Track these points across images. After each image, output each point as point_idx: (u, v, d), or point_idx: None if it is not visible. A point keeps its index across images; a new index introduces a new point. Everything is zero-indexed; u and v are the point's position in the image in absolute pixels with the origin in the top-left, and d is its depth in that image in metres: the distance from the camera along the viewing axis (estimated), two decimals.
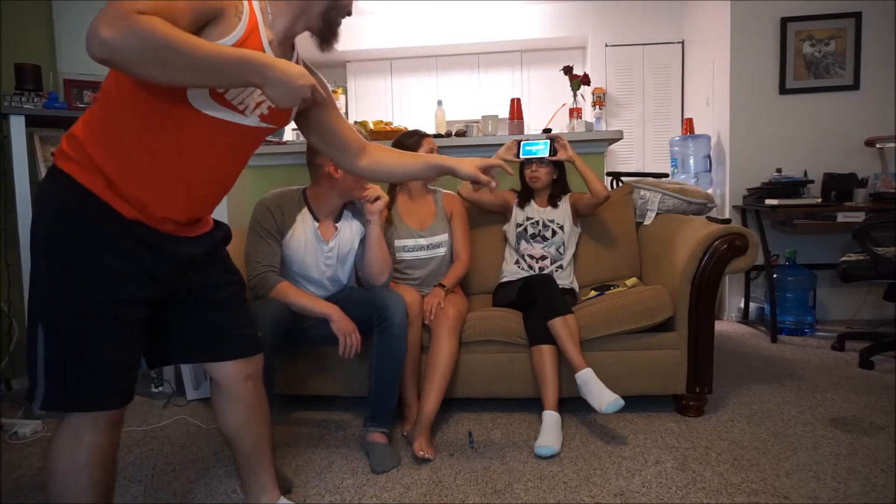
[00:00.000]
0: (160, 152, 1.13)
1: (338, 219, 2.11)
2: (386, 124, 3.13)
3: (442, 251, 2.43)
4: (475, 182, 1.53)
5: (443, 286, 2.32)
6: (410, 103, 5.79)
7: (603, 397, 1.96)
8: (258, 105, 1.20)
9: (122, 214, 1.13)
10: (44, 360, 1.13)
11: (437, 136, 3.02)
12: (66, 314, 1.12)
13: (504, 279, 2.54)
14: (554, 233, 2.53)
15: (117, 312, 1.15)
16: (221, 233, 1.37)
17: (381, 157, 1.52)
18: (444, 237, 2.44)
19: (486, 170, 1.53)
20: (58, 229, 1.12)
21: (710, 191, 3.79)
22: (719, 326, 3.47)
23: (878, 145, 3.48)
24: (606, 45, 5.17)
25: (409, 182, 2.45)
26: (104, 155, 1.11)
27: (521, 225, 2.56)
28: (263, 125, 1.25)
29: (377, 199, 2.02)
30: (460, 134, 3.05)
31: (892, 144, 3.44)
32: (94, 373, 1.15)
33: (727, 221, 2.30)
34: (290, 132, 3.52)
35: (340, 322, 1.94)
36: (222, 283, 1.36)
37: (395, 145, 2.37)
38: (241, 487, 1.48)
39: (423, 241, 2.41)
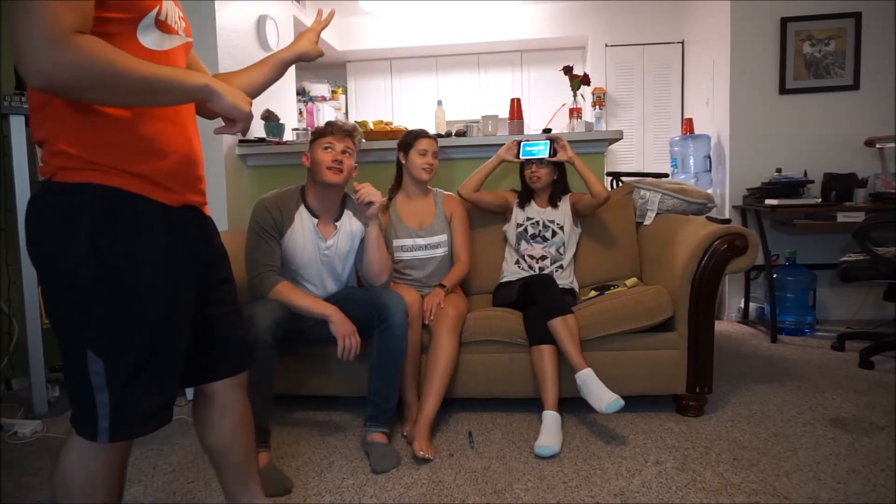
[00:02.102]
0: (157, 113, 1.10)
1: (338, 218, 2.11)
2: (386, 124, 3.13)
3: (441, 252, 2.43)
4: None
5: (443, 286, 2.32)
6: (410, 103, 5.79)
7: (603, 397, 1.96)
8: (179, 20, 1.17)
9: (164, 203, 1.10)
10: (107, 390, 1.04)
11: (438, 136, 3.01)
12: (137, 330, 1.06)
13: (504, 279, 2.54)
14: (554, 233, 2.53)
15: (183, 312, 1.13)
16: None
17: (229, 82, 1.34)
18: (444, 237, 2.43)
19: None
20: (108, 244, 1.02)
21: (710, 191, 3.79)
22: (719, 326, 3.47)
23: (878, 145, 3.48)
24: (606, 45, 5.17)
25: (406, 182, 2.45)
26: (116, 155, 1.04)
27: (521, 225, 2.56)
28: (187, 39, 1.21)
29: (371, 203, 2.00)
30: (460, 134, 3.04)
31: (892, 144, 3.44)
32: (165, 388, 1.12)
33: (727, 221, 2.30)
34: (290, 132, 3.51)
35: (339, 324, 1.94)
36: (227, 280, 1.32)
37: (400, 143, 2.44)
38: (227, 499, 1.44)
39: (421, 241, 2.41)
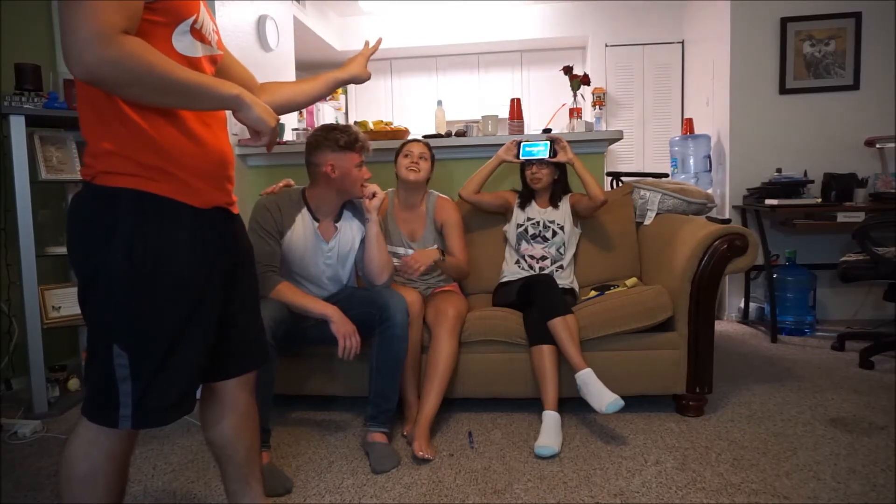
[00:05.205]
0: (191, 115, 1.14)
1: (338, 219, 2.12)
2: (386, 124, 3.13)
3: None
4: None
5: (442, 253, 2.34)
6: (410, 103, 5.80)
7: (603, 397, 1.96)
8: (212, 32, 1.22)
9: (195, 206, 1.13)
10: (131, 382, 1.09)
11: (437, 136, 3.02)
12: (164, 327, 1.10)
13: (504, 279, 2.54)
14: (554, 233, 2.52)
15: (208, 310, 1.16)
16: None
17: (279, 90, 1.47)
18: (433, 248, 2.43)
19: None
20: (139, 245, 1.07)
21: (710, 191, 3.79)
22: (719, 326, 3.47)
23: (877, 145, 3.48)
24: (606, 45, 5.17)
25: (400, 190, 2.45)
26: (152, 156, 1.08)
27: (521, 225, 2.56)
28: (218, 51, 1.26)
29: (374, 195, 2.04)
30: (460, 134, 3.04)
31: (892, 144, 3.44)
32: (189, 380, 1.16)
33: (727, 221, 2.30)
34: (289, 132, 3.52)
35: (340, 324, 1.94)
36: (248, 278, 1.34)
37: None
38: (228, 498, 1.45)
39: (413, 252, 2.41)
